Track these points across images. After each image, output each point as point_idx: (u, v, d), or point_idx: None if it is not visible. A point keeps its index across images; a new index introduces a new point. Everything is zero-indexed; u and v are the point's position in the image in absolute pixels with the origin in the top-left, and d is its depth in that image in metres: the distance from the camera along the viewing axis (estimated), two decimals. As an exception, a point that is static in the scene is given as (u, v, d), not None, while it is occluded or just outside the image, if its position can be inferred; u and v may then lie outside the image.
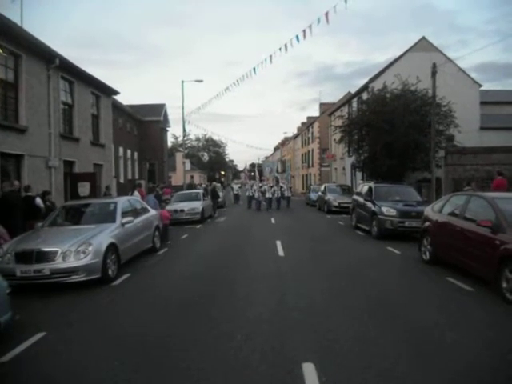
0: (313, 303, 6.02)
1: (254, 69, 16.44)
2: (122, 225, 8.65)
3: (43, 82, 13.87)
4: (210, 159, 79.64)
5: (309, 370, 3.82)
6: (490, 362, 4.04)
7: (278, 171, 53.06)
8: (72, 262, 6.94)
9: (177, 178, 44.38)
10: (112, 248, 7.80)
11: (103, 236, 7.78)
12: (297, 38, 13.28)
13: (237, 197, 31.20)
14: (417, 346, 4.42)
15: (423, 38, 26.75)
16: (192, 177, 36.40)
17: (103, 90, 19.10)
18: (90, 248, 7.18)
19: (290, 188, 30.35)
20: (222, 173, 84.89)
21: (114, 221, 8.61)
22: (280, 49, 14.00)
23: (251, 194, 25.65)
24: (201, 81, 29.63)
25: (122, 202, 9.72)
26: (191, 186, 27.42)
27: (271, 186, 25.72)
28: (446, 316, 5.42)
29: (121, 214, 8.93)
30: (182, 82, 29.75)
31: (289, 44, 13.66)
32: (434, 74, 17.68)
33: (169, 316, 5.63)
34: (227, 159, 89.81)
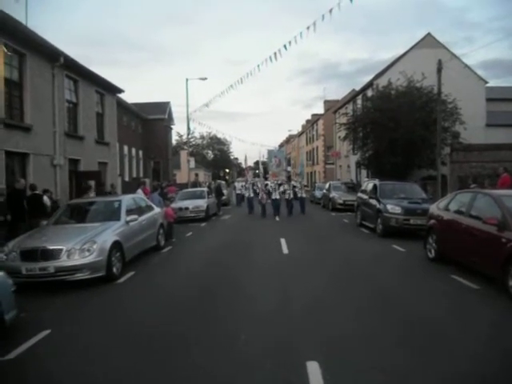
0: (317, 301, 6.00)
1: (259, 66, 16.39)
2: (127, 223, 8.66)
3: (48, 81, 13.92)
4: (215, 157, 79.56)
5: (313, 369, 3.80)
6: (495, 360, 4.00)
7: (289, 164, 47.29)
8: (77, 260, 6.97)
9: (181, 176, 44.39)
10: (117, 246, 7.81)
11: (108, 234, 7.80)
12: (300, 34, 13.21)
13: (240, 197, 26.24)
14: (421, 345, 4.38)
15: (429, 35, 26.54)
16: (197, 175, 36.32)
17: (108, 89, 19.14)
18: (95, 246, 7.20)
19: (305, 186, 24.77)
20: (227, 171, 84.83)
21: (118, 219, 8.62)
22: (285, 46, 13.92)
23: (251, 195, 21.61)
24: (205, 78, 29.63)
25: (127, 200, 9.73)
26: (196, 184, 27.32)
27: (279, 184, 20.55)
28: (452, 314, 5.38)
29: (125, 211, 8.95)
30: (187, 79, 29.75)
31: (293, 41, 13.59)
32: (439, 70, 17.53)
33: (173, 314, 5.63)
34: (232, 157, 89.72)
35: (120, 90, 20.32)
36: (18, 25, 12.48)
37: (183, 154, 48.31)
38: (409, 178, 19.19)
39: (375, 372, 3.76)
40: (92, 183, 15.06)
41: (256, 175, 45.05)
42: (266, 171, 26.51)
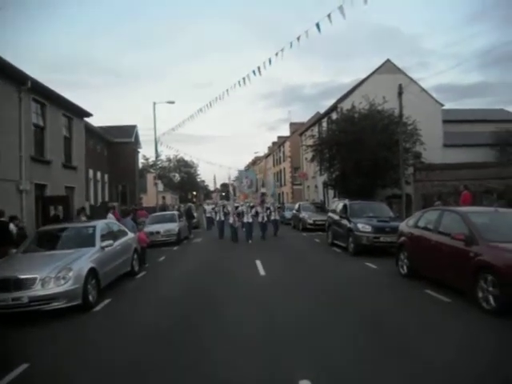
0: (301, 321, 6.09)
1: (228, 91, 16.69)
2: (102, 248, 8.50)
3: (14, 105, 13.60)
4: (182, 180, 79.05)
5: (306, 387, 3.88)
6: (466, 369, 4.25)
7: (263, 185, 45.98)
8: (52, 289, 6.75)
9: (148, 200, 43.71)
10: (92, 273, 7.63)
11: (83, 261, 7.62)
12: (269, 61, 13.66)
13: (210, 220, 23.92)
14: (401, 360, 4.57)
15: (388, 61, 28.03)
16: (164, 198, 35.99)
17: (76, 112, 18.86)
18: (71, 273, 7.01)
19: (279, 208, 24.09)
20: (194, 193, 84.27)
21: (93, 245, 8.43)
22: (254, 72, 14.31)
23: (221, 219, 19.61)
24: (172, 102, 29.74)
25: (101, 225, 9.55)
26: (164, 208, 26.98)
27: (251, 207, 19.41)
28: (426, 327, 5.64)
29: (100, 237, 8.78)
30: (154, 103, 29.79)
31: (262, 67, 14.01)
32: (400, 94, 18.50)
33: (153, 345, 5.38)
34: (199, 179, 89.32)
35: (88, 114, 20.05)
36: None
37: (150, 177, 47.75)
38: (375, 197, 19.85)
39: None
40: (60, 208, 14.64)
41: (223, 197, 44.83)
42: (235, 193, 25.78)
